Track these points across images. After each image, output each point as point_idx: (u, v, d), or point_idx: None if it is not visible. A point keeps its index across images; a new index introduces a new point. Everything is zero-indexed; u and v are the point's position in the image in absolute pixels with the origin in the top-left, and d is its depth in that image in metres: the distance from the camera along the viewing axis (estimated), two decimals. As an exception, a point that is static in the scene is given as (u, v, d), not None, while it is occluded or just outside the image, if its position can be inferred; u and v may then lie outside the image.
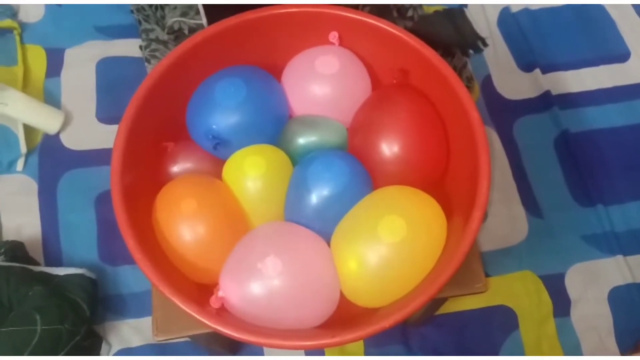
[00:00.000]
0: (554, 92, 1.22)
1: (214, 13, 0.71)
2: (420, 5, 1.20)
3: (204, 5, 0.96)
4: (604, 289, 1.07)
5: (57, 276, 0.99)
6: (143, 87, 0.69)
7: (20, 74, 1.18)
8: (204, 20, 0.97)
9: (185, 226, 0.65)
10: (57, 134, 1.16)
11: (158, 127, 0.72)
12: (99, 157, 1.14)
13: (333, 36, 0.75)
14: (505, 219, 1.12)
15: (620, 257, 1.08)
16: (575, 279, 1.08)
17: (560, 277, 1.08)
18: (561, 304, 1.06)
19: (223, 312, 0.62)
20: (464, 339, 1.03)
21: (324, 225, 0.67)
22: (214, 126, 0.70)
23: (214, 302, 0.62)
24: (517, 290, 1.07)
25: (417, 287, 0.62)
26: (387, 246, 0.62)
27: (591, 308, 1.05)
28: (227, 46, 0.75)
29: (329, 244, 0.67)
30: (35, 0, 1.26)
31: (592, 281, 1.07)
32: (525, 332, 1.04)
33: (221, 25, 0.73)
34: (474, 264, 0.73)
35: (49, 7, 1.28)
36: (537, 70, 1.24)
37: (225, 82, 0.71)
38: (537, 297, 1.06)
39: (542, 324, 1.04)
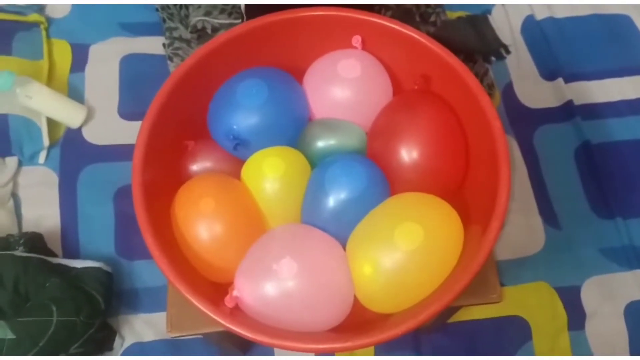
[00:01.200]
0: (577, 102, 1.21)
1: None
2: (444, 11, 1.20)
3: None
4: (621, 303, 1.05)
5: (74, 268, 1.00)
6: (166, 86, 0.70)
7: (45, 67, 1.20)
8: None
9: (203, 225, 0.66)
10: (79, 128, 1.18)
11: (179, 125, 0.73)
12: (119, 152, 1.16)
13: (356, 40, 0.75)
14: (522, 229, 1.11)
15: (638, 272, 1.07)
16: (592, 292, 1.06)
17: (576, 290, 1.06)
18: (576, 317, 1.05)
19: (237, 312, 0.63)
20: (476, 348, 1.02)
21: (340, 229, 0.67)
22: (234, 126, 0.70)
23: (228, 302, 0.62)
24: (532, 302, 1.06)
25: (431, 295, 0.62)
26: (403, 253, 0.61)
27: (606, 322, 1.04)
28: (251, 47, 0.75)
29: (344, 247, 0.67)
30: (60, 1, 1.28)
31: (609, 295, 1.06)
32: (538, 344, 1.03)
33: (245, 26, 0.74)
34: (489, 274, 0.73)
35: (75, 3, 1.29)
36: (560, 80, 1.23)
37: (248, 83, 0.71)
38: (552, 309, 1.05)
39: (556, 337, 1.03)
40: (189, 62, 0.71)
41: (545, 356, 1.01)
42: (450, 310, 0.91)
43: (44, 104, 1.14)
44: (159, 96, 0.69)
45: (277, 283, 0.61)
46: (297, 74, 0.77)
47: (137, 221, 0.62)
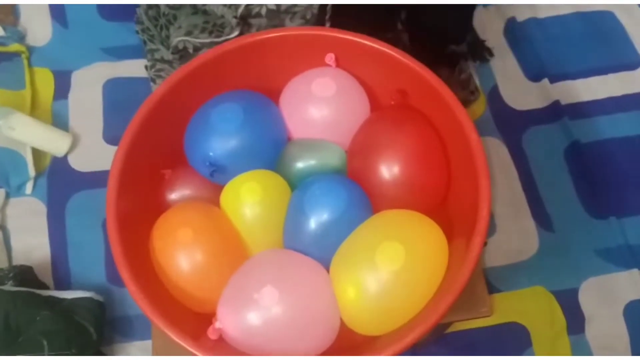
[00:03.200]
0: (563, 101, 1.20)
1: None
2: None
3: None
4: (619, 304, 1.04)
5: (65, 300, 0.99)
6: (139, 115, 0.69)
7: (28, 97, 1.19)
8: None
9: (182, 255, 0.65)
10: (65, 156, 1.17)
11: (155, 153, 0.72)
12: (106, 178, 1.13)
13: (330, 58, 0.74)
14: (515, 233, 1.10)
15: (635, 271, 1.05)
16: (589, 295, 1.05)
17: (574, 293, 1.05)
18: (575, 321, 1.03)
19: (221, 344, 0.62)
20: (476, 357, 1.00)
21: (322, 252, 0.66)
22: (210, 153, 0.69)
23: (211, 333, 0.61)
24: (529, 307, 1.04)
25: (417, 316, 0.61)
26: (386, 273, 0.60)
27: (606, 324, 1.02)
28: (224, 71, 0.75)
29: (328, 270, 0.66)
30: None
31: (607, 296, 1.04)
32: (538, 350, 1.01)
33: (218, 50, 0.73)
34: (477, 288, 0.72)
35: (56, 30, 1.29)
36: (546, 80, 1.22)
37: (222, 107, 0.71)
38: (550, 313, 1.04)
39: (556, 342, 1.02)
40: (161, 89, 0.70)
41: (544, 356, 1.00)
42: (444, 324, 0.89)
43: (28, 134, 1.13)
44: (133, 122, 0.69)
45: (259, 312, 0.60)
46: (274, 95, 0.77)
47: (113, 256, 0.61)
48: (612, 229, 1.08)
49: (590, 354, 1.01)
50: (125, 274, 0.60)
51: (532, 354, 1.01)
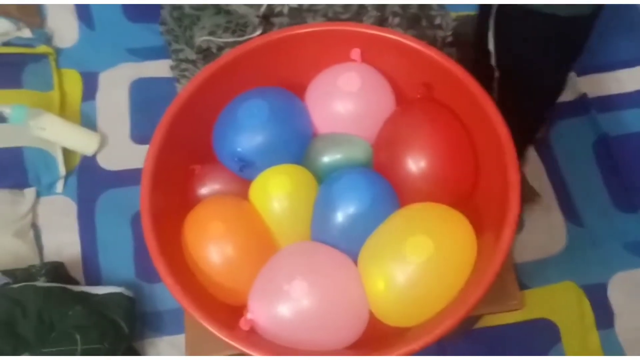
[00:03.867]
0: (591, 94, 1.18)
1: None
2: (448, 12, 1.18)
3: None
4: (650, 299, 1.02)
5: (96, 295, 1.01)
6: (169, 112, 0.70)
7: (56, 98, 1.22)
8: None
9: (213, 248, 0.66)
10: (94, 155, 1.19)
11: (186, 149, 0.73)
12: (134, 176, 1.15)
13: (355, 53, 0.74)
14: (543, 228, 1.09)
15: (665, 266, 1.04)
16: (619, 289, 1.03)
17: (603, 288, 1.04)
18: (604, 316, 1.02)
19: (253, 334, 0.62)
20: (504, 354, 1.00)
21: (350, 244, 0.67)
22: (238, 148, 0.70)
23: (243, 325, 0.62)
24: (558, 302, 1.03)
25: (447, 307, 0.61)
26: (414, 265, 0.61)
27: (636, 319, 1.01)
28: (252, 67, 0.75)
29: (356, 263, 0.67)
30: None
31: (636, 291, 1.03)
32: (568, 345, 1.00)
33: (244, 47, 0.74)
34: (507, 281, 0.71)
35: (82, 32, 1.31)
36: (573, 73, 1.20)
37: (248, 104, 0.71)
38: (579, 308, 1.02)
39: (585, 337, 1.00)
40: (190, 87, 0.71)
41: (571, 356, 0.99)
42: (473, 318, 0.89)
43: (57, 134, 1.16)
44: (163, 122, 0.70)
45: (289, 304, 0.61)
46: (299, 90, 0.77)
47: (149, 251, 0.62)
48: (642, 222, 1.07)
49: (619, 348, 1.00)
50: (161, 267, 0.61)
51: (561, 349, 1.00)
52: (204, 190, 0.73)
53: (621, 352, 0.99)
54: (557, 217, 1.10)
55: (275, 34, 0.74)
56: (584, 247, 1.07)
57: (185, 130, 0.71)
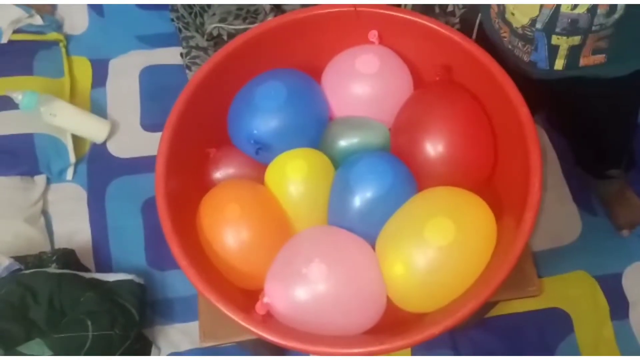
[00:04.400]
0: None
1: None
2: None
3: None
4: (665, 289, 1.01)
5: (107, 282, 1.01)
6: (184, 94, 0.69)
7: (67, 85, 1.21)
8: None
9: (229, 231, 0.65)
10: (104, 142, 1.19)
11: (200, 132, 0.73)
12: (144, 164, 1.16)
13: (372, 35, 0.73)
14: (557, 217, 1.08)
15: (681, 256, 1.03)
16: (633, 279, 1.03)
17: (617, 278, 1.03)
18: (619, 306, 1.01)
19: (269, 319, 0.62)
20: (516, 343, 0.99)
21: (368, 229, 0.66)
22: (255, 131, 0.69)
23: (259, 309, 0.61)
24: (571, 292, 1.02)
25: (467, 291, 0.60)
26: (435, 249, 0.60)
27: (651, 310, 1.00)
28: (266, 49, 0.74)
29: (373, 247, 0.66)
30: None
31: (652, 281, 1.02)
32: (581, 336, 0.99)
33: (260, 28, 0.73)
34: (526, 266, 0.70)
35: (92, 19, 1.31)
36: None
37: (265, 85, 0.70)
38: (593, 298, 1.02)
39: (599, 328, 1.00)
40: (205, 68, 0.71)
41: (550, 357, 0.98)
42: (488, 305, 0.88)
43: (68, 121, 1.15)
44: (177, 104, 0.69)
45: (307, 287, 0.60)
46: (316, 73, 0.76)
47: (163, 232, 0.62)
48: (657, 212, 1.06)
49: (633, 339, 0.99)
50: (176, 249, 0.60)
51: (574, 339, 1.00)
52: (218, 174, 0.73)
53: (635, 343, 0.98)
54: (570, 207, 1.09)
55: (290, 15, 0.73)
56: (598, 237, 1.06)
57: (201, 112, 0.71)
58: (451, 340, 0.99)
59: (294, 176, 0.68)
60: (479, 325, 1.00)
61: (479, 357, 0.98)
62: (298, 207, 0.68)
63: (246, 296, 0.66)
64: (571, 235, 1.07)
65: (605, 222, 1.07)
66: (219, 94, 0.73)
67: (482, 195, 0.65)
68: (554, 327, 1.01)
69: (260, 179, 0.71)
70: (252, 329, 0.59)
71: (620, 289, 1.02)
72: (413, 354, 0.99)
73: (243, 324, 0.58)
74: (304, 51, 0.76)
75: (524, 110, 0.63)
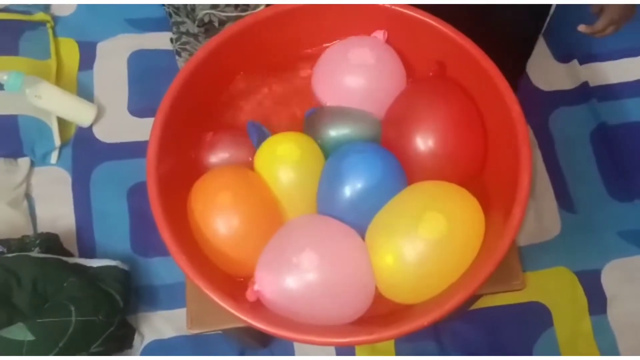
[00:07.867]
0: (592, 83, 1.19)
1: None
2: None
3: None
4: (642, 286, 1.04)
5: (91, 268, 1.00)
6: (178, 79, 0.69)
7: (53, 67, 1.19)
8: None
9: (221, 218, 0.65)
10: (90, 126, 1.18)
11: (193, 118, 0.72)
12: (130, 149, 1.15)
13: (379, 33, 0.73)
14: (538, 214, 1.10)
15: (659, 254, 1.05)
16: (612, 276, 1.05)
17: (596, 274, 1.05)
18: (597, 302, 1.03)
19: (258, 306, 0.62)
20: (497, 335, 1.01)
21: (357, 219, 0.66)
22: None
23: (249, 296, 0.61)
24: (552, 287, 1.05)
25: (456, 284, 0.61)
26: (426, 243, 0.60)
27: (629, 306, 1.03)
28: (262, 37, 0.74)
29: (362, 237, 0.66)
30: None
31: (630, 278, 1.05)
32: (559, 329, 1.02)
33: (256, 16, 0.73)
34: (512, 261, 0.72)
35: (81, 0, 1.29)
36: (575, 61, 1.21)
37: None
38: (572, 294, 1.04)
39: (577, 322, 1.02)
40: (200, 54, 0.70)
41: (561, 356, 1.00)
42: (473, 298, 0.89)
43: (53, 103, 1.13)
44: (171, 89, 0.68)
45: (298, 276, 0.60)
46: (310, 62, 0.76)
47: (153, 217, 0.61)
48: (637, 211, 1.08)
49: (611, 334, 1.01)
50: (166, 234, 0.60)
51: (553, 333, 1.02)
52: (213, 159, 0.72)
53: (613, 338, 1.01)
54: (551, 204, 1.11)
55: (284, 6, 0.72)
56: (578, 234, 1.08)
57: (194, 97, 0.70)
58: (434, 332, 1.01)
59: (286, 160, 0.67)
60: (461, 317, 1.02)
61: (464, 357, 0.99)
62: (289, 191, 0.68)
63: (235, 284, 0.66)
64: (551, 232, 1.09)
65: (585, 219, 1.09)
66: (215, 78, 0.73)
67: (471, 189, 0.66)
68: (533, 321, 1.03)
69: (252, 165, 0.71)
70: (242, 316, 0.59)
71: (599, 285, 1.05)
72: (396, 344, 1.00)
73: (233, 311, 0.58)
74: (298, 40, 0.76)
75: (515, 108, 0.64)
